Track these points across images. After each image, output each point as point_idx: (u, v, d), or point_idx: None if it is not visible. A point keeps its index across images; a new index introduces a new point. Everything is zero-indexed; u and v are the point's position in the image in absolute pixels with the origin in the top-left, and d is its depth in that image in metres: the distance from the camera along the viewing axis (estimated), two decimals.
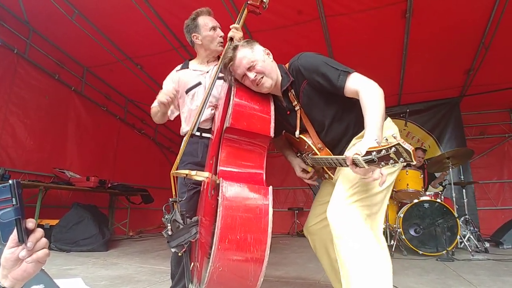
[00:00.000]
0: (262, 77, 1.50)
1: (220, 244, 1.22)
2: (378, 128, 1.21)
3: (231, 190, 1.29)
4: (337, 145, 1.55)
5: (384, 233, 4.20)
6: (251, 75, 1.49)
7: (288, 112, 1.60)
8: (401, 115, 5.18)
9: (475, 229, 4.49)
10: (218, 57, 2.03)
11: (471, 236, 4.16)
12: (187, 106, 2.00)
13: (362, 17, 4.16)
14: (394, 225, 4.05)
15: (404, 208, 3.97)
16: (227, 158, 1.44)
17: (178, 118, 2.14)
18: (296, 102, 1.55)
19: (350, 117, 1.50)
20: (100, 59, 5.29)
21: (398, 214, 4.03)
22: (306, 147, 1.59)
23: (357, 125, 1.49)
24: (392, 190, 4.34)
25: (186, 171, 1.58)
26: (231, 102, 1.47)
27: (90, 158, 5.70)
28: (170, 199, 1.54)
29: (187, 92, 2.00)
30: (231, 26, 1.86)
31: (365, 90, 1.31)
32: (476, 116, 6.29)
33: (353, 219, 1.29)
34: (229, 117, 1.43)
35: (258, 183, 1.38)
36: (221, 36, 2.01)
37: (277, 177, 7.31)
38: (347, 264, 1.26)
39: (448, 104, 6.02)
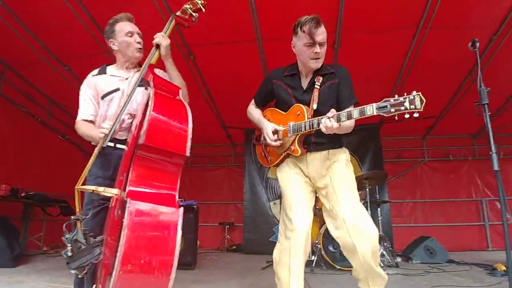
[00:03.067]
0: (320, 57, 1.88)
1: (122, 268, 1.17)
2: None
3: (137, 212, 1.25)
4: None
5: None
6: (319, 49, 1.84)
7: (304, 89, 1.98)
8: None
9: (389, 245, 4.91)
10: (139, 64, 1.98)
11: (384, 252, 4.53)
12: (101, 112, 1.91)
13: None
14: (316, 241, 4.25)
15: (325, 225, 4.19)
16: (137, 177, 1.37)
17: None
18: (319, 84, 1.93)
19: None
20: (23, 55, 4.85)
21: (320, 231, 4.25)
22: (297, 115, 1.91)
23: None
24: (315, 208, 4.57)
25: (93, 187, 1.49)
26: (147, 116, 1.40)
27: (3, 164, 5.13)
28: (72, 217, 1.46)
29: (103, 97, 1.91)
30: (156, 34, 1.85)
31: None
32: (394, 141, 6.94)
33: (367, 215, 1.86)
34: (143, 133, 1.36)
35: (168, 204, 1.34)
36: (138, 42, 1.96)
37: (209, 191, 7.28)
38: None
39: (370, 129, 6.55)
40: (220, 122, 6.44)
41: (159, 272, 1.22)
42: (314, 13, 3.98)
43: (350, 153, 7.37)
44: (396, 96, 1.56)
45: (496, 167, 1.69)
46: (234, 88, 5.47)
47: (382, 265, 4.02)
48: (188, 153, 1.44)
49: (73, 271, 1.39)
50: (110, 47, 2.01)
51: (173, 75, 1.89)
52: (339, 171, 1.95)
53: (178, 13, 1.92)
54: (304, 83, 2.01)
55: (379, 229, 4.71)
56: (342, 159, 2.01)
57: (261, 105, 2.22)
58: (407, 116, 1.52)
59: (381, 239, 4.61)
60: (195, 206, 4.20)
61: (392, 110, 1.53)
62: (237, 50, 4.58)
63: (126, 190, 1.32)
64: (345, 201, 1.85)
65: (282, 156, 2.01)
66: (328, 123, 1.67)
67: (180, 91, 1.69)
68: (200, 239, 6.61)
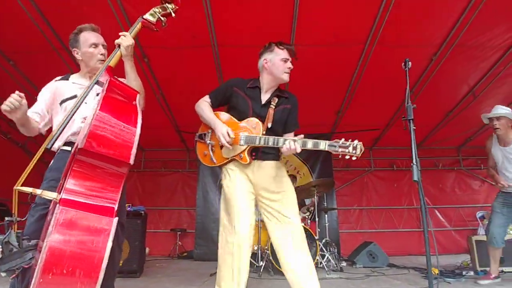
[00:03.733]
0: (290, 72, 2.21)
1: (42, 276, 1.11)
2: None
3: (65, 219, 1.19)
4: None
5: (256, 254, 4.44)
6: (291, 65, 2.22)
7: (262, 104, 2.19)
8: None
9: (335, 250, 5.11)
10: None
11: (330, 257, 4.70)
12: (58, 118, 1.89)
13: (251, 51, 4.50)
14: (266, 247, 4.32)
15: None
16: (74, 183, 1.30)
17: None
18: (274, 105, 2.17)
19: None
20: None
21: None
22: (253, 127, 2.10)
23: None
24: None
25: (31, 189, 1.41)
26: (92, 118, 1.34)
27: None
28: (6, 218, 1.39)
29: (61, 103, 1.90)
30: (120, 33, 1.82)
31: None
32: None
33: None
34: (84, 137, 1.30)
35: (102, 213, 1.28)
36: (102, 54, 1.95)
37: (162, 196, 7.10)
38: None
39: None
40: (175, 126, 6.33)
41: (83, 284, 1.16)
42: (269, 24, 4.13)
43: (301, 161, 7.62)
44: (343, 139, 1.91)
45: (415, 178, 1.83)
46: (189, 93, 5.40)
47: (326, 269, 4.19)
48: (132, 161, 1.38)
49: (3, 274, 1.34)
50: (74, 56, 2.01)
51: (131, 76, 1.90)
52: (291, 187, 2.23)
53: (145, 16, 1.92)
54: (263, 98, 2.22)
55: (326, 235, 4.91)
56: (285, 173, 2.27)
57: (215, 106, 2.30)
58: (347, 157, 1.91)
59: (327, 245, 4.79)
60: (143, 212, 4.08)
61: (339, 150, 1.89)
62: (193, 55, 4.56)
63: (61, 195, 1.27)
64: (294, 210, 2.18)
65: (228, 160, 2.13)
66: (293, 145, 1.93)
67: (137, 96, 1.64)
68: (150, 246, 6.44)
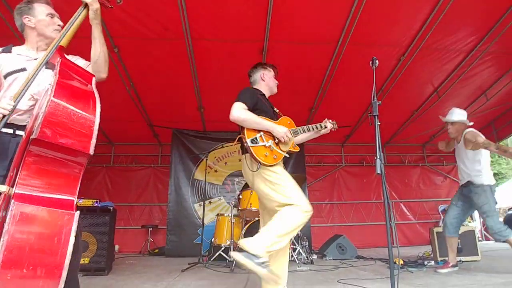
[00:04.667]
0: None
1: (0, 277, 1.04)
2: None
3: (22, 215, 1.11)
4: None
5: (228, 249, 4.47)
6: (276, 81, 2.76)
7: (271, 106, 2.62)
8: None
9: (306, 243, 5.23)
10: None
11: (301, 250, 4.80)
12: (1, 93, 1.71)
13: (226, 46, 4.49)
14: (238, 242, 4.34)
15: (246, 226, 4.32)
16: (28, 176, 1.21)
17: None
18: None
19: None
20: None
21: (242, 231, 4.36)
22: (288, 123, 2.57)
23: None
24: (238, 209, 4.65)
25: None
26: (46, 104, 1.22)
27: None
28: None
29: (6, 76, 1.72)
30: None
31: None
32: (316, 147, 7.37)
33: None
34: (38, 126, 1.19)
35: (62, 208, 1.21)
36: (59, 25, 1.84)
37: (133, 192, 6.95)
38: None
39: None
40: (147, 120, 6.20)
41: (45, 283, 1.11)
42: (244, 20, 4.11)
43: None
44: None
45: (378, 171, 1.92)
46: (162, 87, 5.33)
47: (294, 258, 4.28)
48: (92, 152, 1.30)
49: None
50: (22, 25, 1.84)
51: (98, 41, 1.78)
52: None
53: None
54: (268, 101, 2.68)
55: None
56: None
57: (250, 110, 2.44)
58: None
59: (299, 238, 4.89)
60: (111, 208, 3.97)
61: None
62: (166, 48, 4.47)
63: (14, 190, 1.18)
64: None
65: (284, 154, 2.41)
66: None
67: (93, 79, 1.52)
68: (120, 243, 6.30)
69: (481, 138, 3.48)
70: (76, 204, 1.28)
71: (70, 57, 1.76)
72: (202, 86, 5.30)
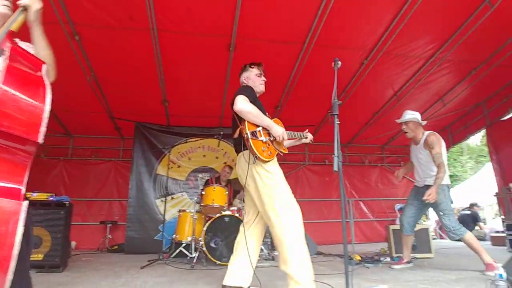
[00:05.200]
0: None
1: None
2: None
3: None
4: None
5: (190, 246, 4.42)
6: (264, 77, 2.74)
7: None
8: (215, 136, 5.65)
9: (268, 240, 5.27)
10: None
11: (263, 247, 4.84)
12: None
13: (193, 39, 4.42)
14: (199, 238, 4.30)
15: (208, 222, 4.29)
16: None
17: None
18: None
19: None
20: None
21: (203, 228, 4.32)
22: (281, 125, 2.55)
23: None
24: (200, 205, 4.60)
25: None
26: None
27: None
28: None
29: None
30: None
31: None
32: None
33: None
34: None
35: (7, 197, 1.14)
36: (5, 5, 1.63)
37: (92, 186, 6.65)
38: None
39: None
40: (108, 112, 5.95)
41: None
42: (211, 13, 4.06)
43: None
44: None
45: (335, 168, 1.98)
46: (125, 78, 5.14)
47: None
48: (41, 140, 1.25)
49: None
50: None
51: (40, 44, 1.64)
52: None
53: None
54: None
55: None
56: None
57: None
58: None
59: None
60: (67, 202, 3.79)
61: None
62: (130, 38, 4.31)
63: None
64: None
65: (278, 152, 2.50)
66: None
67: (43, 66, 1.45)
68: (77, 239, 6.03)
69: (436, 149, 3.60)
70: (25, 194, 1.22)
71: (22, 44, 1.64)
72: (167, 79, 5.18)
